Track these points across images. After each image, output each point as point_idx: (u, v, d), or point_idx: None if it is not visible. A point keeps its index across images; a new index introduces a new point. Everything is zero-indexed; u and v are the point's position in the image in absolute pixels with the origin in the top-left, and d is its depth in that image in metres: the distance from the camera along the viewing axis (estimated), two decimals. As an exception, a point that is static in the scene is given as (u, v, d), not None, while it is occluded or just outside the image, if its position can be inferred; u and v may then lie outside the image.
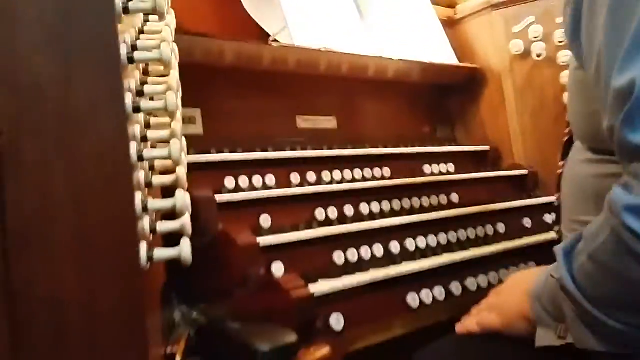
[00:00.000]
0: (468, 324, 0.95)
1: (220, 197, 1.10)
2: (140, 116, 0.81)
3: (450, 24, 1.92)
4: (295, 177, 1.33)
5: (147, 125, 0.84)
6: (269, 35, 1.36)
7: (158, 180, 0.82)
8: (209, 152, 1.24)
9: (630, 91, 0.57)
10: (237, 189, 1.23)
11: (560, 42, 1.72)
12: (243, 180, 1.25)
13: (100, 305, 0.60)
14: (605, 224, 0.61)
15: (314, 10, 1.52)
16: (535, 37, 1.75)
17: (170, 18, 0.85)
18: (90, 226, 0.57)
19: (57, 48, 0.57)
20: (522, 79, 1.79)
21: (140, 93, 0.81)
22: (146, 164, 0.83)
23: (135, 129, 0.74)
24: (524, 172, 1.64)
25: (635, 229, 0.56)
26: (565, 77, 1.69)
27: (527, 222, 1.48)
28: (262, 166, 1.29)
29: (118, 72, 0.62)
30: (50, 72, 0.57)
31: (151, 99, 0.84)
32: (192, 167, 0.85)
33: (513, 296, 0.90)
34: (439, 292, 1.12)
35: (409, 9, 1.81)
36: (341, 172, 1.40)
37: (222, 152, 1.27)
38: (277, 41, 1.35)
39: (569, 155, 0.90)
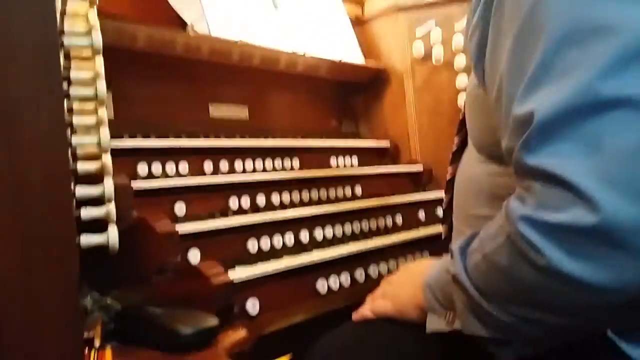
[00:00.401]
0: (363, 311, 1.03)
1: (135, 185, 1.10)
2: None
3: (358, 23, 2.01)
4: (208, 166, 1.35)
5: (69, 111, 0.84)
6: (186, 23, 1.36)
7: (83, 167, 0.82)
8: (121, 137, 1.23)
9: (529, 121, 0.60)
10: (151, 176, 1.23)
11: (457, 48, 1.86)
12: (156, 168, 1.25)
13: (37, 284, 0.60)
14: (501, 229, 0.67)
15: (230, 3, 1.53)
16: (435, 42, 1.89)
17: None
18: (29, 213, 0.58)
19: None
20: (422, 80, 1.92)
21: (66, 79, 0.81)
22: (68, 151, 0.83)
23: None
24: (419, 167, 1.78)
25: (528, 237, 0.60)
26: (460, 81, 1.84)
27: (422, 215, 1.61)
28: (175, 154, 1.30)
29: (57, 60, 0.62)
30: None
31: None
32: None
33: (406, 285, 0.97)
34: (345, 278, 1.21)
35: (321, 4, 1.87)
36: (253, 162, 1.44)
37: (135, 137, 1.26)
38: (194, 30, 1.36)
39: (463, 155, 0.98)
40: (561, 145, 0.58)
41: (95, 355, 0.79)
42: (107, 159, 0.82)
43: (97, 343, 0.83)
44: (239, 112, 1.61)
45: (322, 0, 1.89)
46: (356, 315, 1.05)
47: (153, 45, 1.36)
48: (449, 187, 1.05)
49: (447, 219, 1.06)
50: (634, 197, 0.55)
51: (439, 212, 1.62)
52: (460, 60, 1.86)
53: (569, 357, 0.75)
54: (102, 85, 0.81)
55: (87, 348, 0.81)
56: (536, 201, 0.61)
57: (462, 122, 1.01)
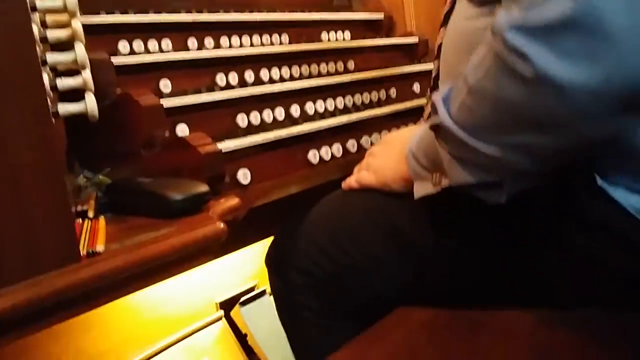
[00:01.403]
0: (350, 181, 1.04)
1: (115, 60, 1.06)
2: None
3: None
4: (192, 42, 1.30)
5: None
6: None
7: (54, 34, 0.79)
8: (98, 14, 1.18)
9: None
10: (132, 53, 1.19)
11: None
12: (138, 45, 1.20)
13: (15, 157, 0.60)
14: (486, 53, 0.66)
15: None
16: None
17: None
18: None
19: None
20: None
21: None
22: (37, 17, 0.79)
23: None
24: (415, 39, 1.72)
25: (516, 44, 0.61)
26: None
27: (416, 87, 1.58)
28: (157, 30, 1.24)
29: None
30: None
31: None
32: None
33: (388, 157, 0.98)
34: (337, 149, 1.21)
35: None
36: (240, 37, 1.39)
37: (113, 13, 1.20)
38: None
39: (451, 17, 0.94)
40: None
41: (89, 225, 0.80)
42: (77, 24, 0.78)
43: (90, 214, 0.85)
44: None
45: None
46: (344, 185, 1.06)
47: None
48: (439, 52, 1.01)
49: (437, 86, 1.03)
50: None
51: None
52: None
53: (556, 202, 0.76)
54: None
55: (81, 220, 0.83)
56: (523, 4, 0.61)
57: None
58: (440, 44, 0.99)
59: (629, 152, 0.71)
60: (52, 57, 0.76)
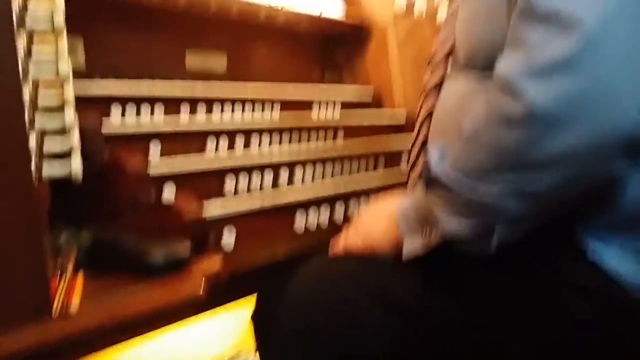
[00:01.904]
0: (336, 245, 1.04)
1: (106, 125, 1.10)
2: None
3: (340, -24, 1.98)
4: (185, 113, 1.34)
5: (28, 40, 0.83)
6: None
7: (44, 99, 0.82)
8: (92, 78, 1.22)
9: None
10: (125, 120, 1.22)
11: (438, 1, 1.84)
12: (130, 110, 1.23)
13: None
14: (482, 103, 0.71)
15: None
16: (417, -4, 1.87)
17: None
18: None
19: None
20: (405, 33, 1.90)
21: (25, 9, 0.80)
22: (30, 81, 0.83)
23: (19, 45, 0.74)
24: (403, 113, 1.78)
25: (511, 85, 0.66)
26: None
27: (404, 159, 1.62)
28: (150, 100, 1.29)
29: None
30: None
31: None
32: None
33: (376, 220, 0.97)
34: (323, 218, 1.21)
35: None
36: (232, 110, 1.44)
37: (107, 78, 1.24)
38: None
39: (445, 87, 0.98)
40: None
41: (67, 281, 0.80)
42: (68, 89, 0.81)
43: (69, 271, 0.84)
44: (217, 61, 1.59)
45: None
46: (331, 249, 1.06)
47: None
48: (424, 121, 1.05)
49: (420, 154, 1.06)
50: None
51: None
52: (443, 13, 1.84)
53: (535, 255, 0.76)
54: (59, 17, 0.80)
55: (59, 276, 0.82)
56: (528, 48, 0.65)
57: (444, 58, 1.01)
58: (428, 112, 1.03)
59: (617, 208, 0.72)
60: (41, 120, 0.78)
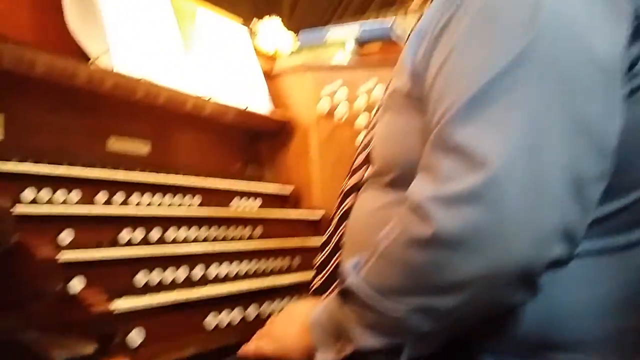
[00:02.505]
0: (247, 349, 1.03)
1: (18, 208, 1.05)
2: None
3: (269, 76, 2.08)
4: (103, 197, 1.31)
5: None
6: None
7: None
8: (9, 161, 1.18)
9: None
10: (39, 202, 1.18)
11: (358, 109, 1.97)
12: (46, 194, 1.19)
13: None
14: (396, 221, 0.75)
15: (138, 37, 1.54)
16: (340, 100, 1.99)
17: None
18: None
19: None
20: (326, 135, 2.01)
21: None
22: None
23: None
24: (320, 214, 1.83)
25: (424, 209, 0.71)
26: (361, 139, 1.94)
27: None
28: (68, 182, 1.25)
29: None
30: None
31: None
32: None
33: (290, 326, 0.97)
34: (235, 316, 1.20)
35: (235, 54, 1.93)
36: (152, 196, 1.42)
37: (26, 161, 1.21)
38: (96, 64, 1.35)
39: (361, 197, 1.02)
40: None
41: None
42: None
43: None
44: (140, 147, 1.59)
45: (237, 51, 1.95)
46: (241, 352, 1.04)
47: (53, 74, 1.33)
48: (338, 225, 1.08)
49: (332, 257, 1.08)
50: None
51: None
52: (362, 119, 1.97)
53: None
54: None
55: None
56: (439, 176, 0.71)
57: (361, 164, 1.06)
58: (341, 217, 1.07)
59: (515, 332, 0.77)
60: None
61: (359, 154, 1.11)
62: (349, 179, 1.11)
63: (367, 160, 1.05)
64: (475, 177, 0.69)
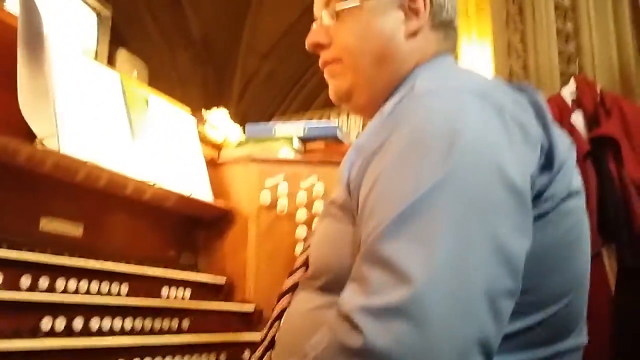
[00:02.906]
0: None
1: None
2: None
3: (213, 164, 2.12)
4: (26, 281, 1.26)
5: None
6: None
7: None
8: None
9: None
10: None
11: (299, 202, 2.02)
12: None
13: None
14: (327, 330, 0.78)
15: (88, 121, 1.56)
16: (281, 194, 2.04)
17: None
18: None
19: None
20: (265, 226, 2.03)
21: None
22: None
23: None
24: (251, 308, 1.81)
25: (354, 319, 0.74)
26: (300, 232, 1.97)
27: (246, 355, 1.62)
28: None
29: None
30: None
31: None
32: None
33: None
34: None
35: (179, 141, 1.96)
36: (77, 282, 1.37)
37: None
38: (42, 144, 1.35)
39: (295, 299, 1.04)
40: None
41: None
42: None
43: None
44: (73, 229, 1.55)
45: (181, 138, 1.98)
46: None
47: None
48: (272, 326, 1.10)
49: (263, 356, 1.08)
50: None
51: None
52: (302, 214, 2.01)
53: None
54: None
55: None
56: (369, 289, 0.76)
57: (300, 266, 1.09)
58: (277, 317, 1.08)
59: None
60: None
61: (300, 255, 1.15)
62: (288, 278, 1.13)
63: (306, 262, 1.08)
64: (401, 292, 0.73)
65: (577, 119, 2.68)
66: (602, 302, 2.41)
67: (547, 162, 0.88)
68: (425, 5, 1.07)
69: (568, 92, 2.81)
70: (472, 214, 0.78)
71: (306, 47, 1.14)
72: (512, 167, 0.82)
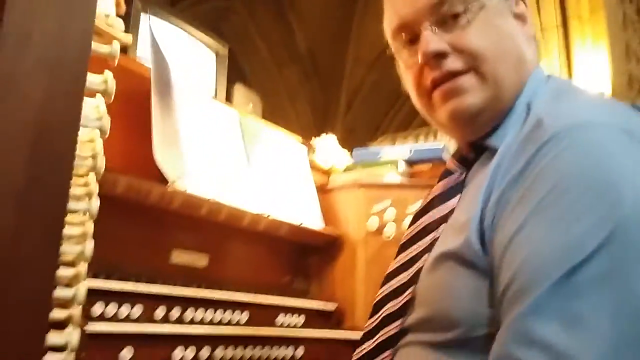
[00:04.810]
0: None
1: (90, 327, 1.15)
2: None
3: (322, 190, 2.20)
4: (161, 312, 1.40)
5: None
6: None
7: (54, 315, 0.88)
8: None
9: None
10: (104, 317, 1.27)
11: (406, 228, 2.04)
12: (111, 309, 1.29)
13: None
14: None
15: (209, 160, 1.70)
16: (388, 219, 2.07)
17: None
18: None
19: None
20: (373, 252, 2.07)
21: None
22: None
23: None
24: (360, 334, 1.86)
25: None
26: (406, 258, 2.00)
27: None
28: (132, 297, 1.36)
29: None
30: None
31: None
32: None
33: None
34: None
35: (292, 169, 2.07)
36: (204, 311, 1.50)
37: (97, 277, 1.32)
38: (173, 186, 1.50)
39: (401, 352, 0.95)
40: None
41: None
42: (77, 310, 0.89)
43: None
44: (199, 260, 1.70)
45: (295, 167, 2.09)
46: None
47: (129, 193, 1.47)
48: None
49: None
50: None
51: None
52: (409, 238, 2.03)
53: None
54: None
55: None
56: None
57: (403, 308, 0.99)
58: None
59: None
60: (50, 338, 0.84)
61: (389, 301, 1.05)
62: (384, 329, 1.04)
63: (401, 312, 0.99)
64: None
65: None
66: None
67: None
68: (527, 12, 0.99)
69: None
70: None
71: (422, 59, 0.95)
72: None
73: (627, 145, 0.76)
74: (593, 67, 3.46)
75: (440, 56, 0.94)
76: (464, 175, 1.03)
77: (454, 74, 0.94)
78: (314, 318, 1.88)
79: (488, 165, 0.90)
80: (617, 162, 0.74)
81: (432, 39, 0.94)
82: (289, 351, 1.61)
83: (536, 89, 0.96)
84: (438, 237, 0.98)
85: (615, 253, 0.68)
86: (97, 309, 1.27)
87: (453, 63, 0.93)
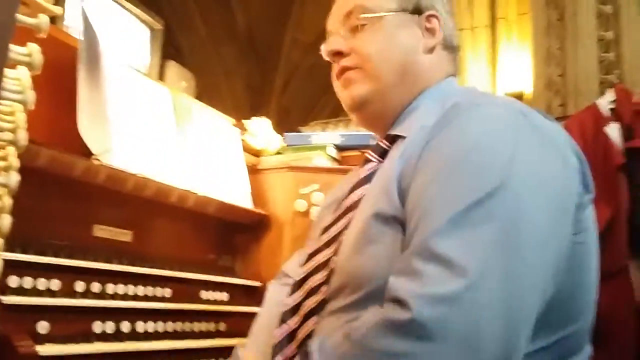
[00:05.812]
0: None
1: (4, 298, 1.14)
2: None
3: (253, 171, 2.23)
4: (80, 286, 1.39)
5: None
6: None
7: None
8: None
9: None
10: (20, 290, 1.26)
11: (332, 210, 2.10)
12: (27, 282, 1.28)
13: None
14: (371, 315, 0.84)
15: (137, 135, 1.68)
16: (315, 202, 2.13)
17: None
18: None
19: None
20: (299, 233, 2.12)
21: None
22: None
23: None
24: (284, 312, 1.91)
25: (401, 296, 0.80)
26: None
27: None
28: (50, 270, 1.34)
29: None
30: None
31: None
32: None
33: None
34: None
35: (224, 150, 2.08)
36: (126, 286, 1.51)
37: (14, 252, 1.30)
38: (98, 160, 1.48)
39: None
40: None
41: None
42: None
43: None
44: (123, 236, 1.69)
45: (225, 147, 2.10)
46: None
47: (53, 166, 1.44)
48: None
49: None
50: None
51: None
52: (335, 219, 2.10)
53: None
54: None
55: None
56: (424, 281, 0.81)
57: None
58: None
59: None
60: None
61: (314, 269, 1.10)
62: (307, 295, 1.08)
63: (326, 283, 1.04)
64: (457, 283, 0.79)
65: (613, 129, 2.64)
66: (627, 316, 2.40)
67: (585, 182, 0.96)
68: (440, 26, 1.16)
69: (605, 102, 2.77)
70: (521, 221, 0.85)
71: (324, 55, 1.19)
72: (559, 184, 0.91)
73: (521, 120, 0.94)
74: (516, 67, 3.63)
75: (339, 54, 1.16)
76: (381, 164, 1.13)
77: (346, 69, 1.15)
78: (239, 295, 1.91)
79: (400, 146, 1.06)
80: (512, 129, 0.92)
81: (334, 41, 1.17)
82: (210, 325, 1.64)
83: (449, 92, 1.12)
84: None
85: (504, 198, 0.85)
86: (12, 282, 1.26)
87: (347, 61, 1.15)
